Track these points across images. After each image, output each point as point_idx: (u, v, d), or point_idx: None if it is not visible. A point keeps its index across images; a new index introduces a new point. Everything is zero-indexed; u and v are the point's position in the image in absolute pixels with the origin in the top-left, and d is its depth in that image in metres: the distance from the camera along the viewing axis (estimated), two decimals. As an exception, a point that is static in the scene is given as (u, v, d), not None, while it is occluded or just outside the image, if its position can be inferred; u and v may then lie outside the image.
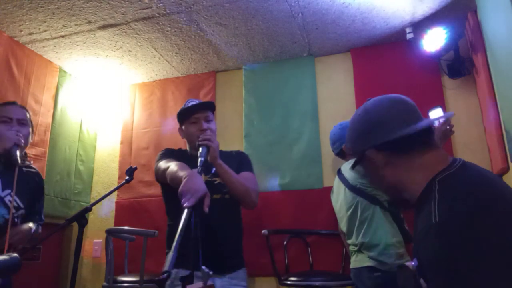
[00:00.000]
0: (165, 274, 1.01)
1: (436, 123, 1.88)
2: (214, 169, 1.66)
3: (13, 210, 1.67)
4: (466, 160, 0.92)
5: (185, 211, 1.23)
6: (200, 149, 1.62)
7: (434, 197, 0.82)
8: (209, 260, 1.63)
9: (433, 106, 2.04)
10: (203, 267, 1.00)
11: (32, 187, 1.85)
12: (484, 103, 2.66)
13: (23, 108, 1.90)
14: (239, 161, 1.83)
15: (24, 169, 1.84)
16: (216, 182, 1.80)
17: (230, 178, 1.69)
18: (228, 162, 1.78)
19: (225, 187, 1.78)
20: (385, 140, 0.94)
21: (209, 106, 1.92)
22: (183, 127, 1.92)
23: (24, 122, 1.82)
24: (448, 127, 1.92)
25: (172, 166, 1.57)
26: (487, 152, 2.71)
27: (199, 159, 1.59)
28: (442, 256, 0.73)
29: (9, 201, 1.67)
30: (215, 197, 1.74)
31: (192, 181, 1.37)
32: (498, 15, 2.06)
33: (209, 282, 1.06)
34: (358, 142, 1.00)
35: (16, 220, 1.70)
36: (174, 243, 1.09)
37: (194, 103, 1.87)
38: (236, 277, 1.72)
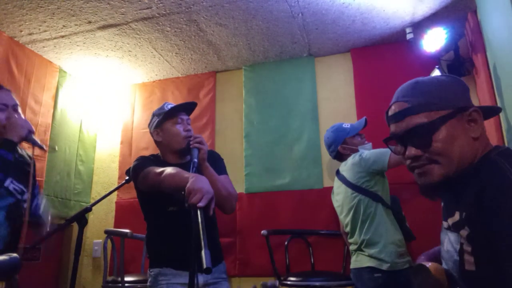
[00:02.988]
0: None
1: None
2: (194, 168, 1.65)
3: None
4: None
5: (198, 211, 1.24)
6: (192, 150, 1.64)
7: (496, 163, 0.82)
8: (191, 260, 1.65)
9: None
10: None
11: (29, 167, 1.82)
12: (484, 103, 2.66)
13: (9, 91, 1.84)
14: (213, 161, 1.78)
15: (18, 153, 1.82)
16: None
17: (216, 182, 1.66)
18: None
19: None
20: (478, 105, 0.96)
21: (195, 107, 1.91)
22: (162, 127, 1.81)
23: (16, 108, 1.77)
24: None
25: (169, 169, 1.57)
26: (487, 152, 2.72)
27: (193, 161, 1.59)
28: None
29: (14, 189, 1.68)
30: None
31: (201, 181, 1.37)
32: (498, 15, 2.06)
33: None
34: (459, 98, 0.94)
35: (22, 204, 1.71)
36: (203, 242, 1.14)
37: (173, 105, 1.84)
38: (217, 270, 1.73)
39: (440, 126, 0.88)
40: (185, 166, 1.63)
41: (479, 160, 0.87)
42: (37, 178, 3.03)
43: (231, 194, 1.75)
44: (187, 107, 1.88)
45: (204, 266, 1.09)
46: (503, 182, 0.77)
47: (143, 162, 1.73)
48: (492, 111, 0.97)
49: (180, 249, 1.64)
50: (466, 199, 0.84)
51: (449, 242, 0.90)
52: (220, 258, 1.80)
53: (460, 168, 0.88)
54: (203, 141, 1.69)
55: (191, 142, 1.68)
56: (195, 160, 1.60)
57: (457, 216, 0.86)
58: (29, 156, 1.91)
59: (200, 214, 1.23)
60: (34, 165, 1.93)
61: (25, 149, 1.94)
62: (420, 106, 0.91)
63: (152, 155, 1.87)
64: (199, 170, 1.63)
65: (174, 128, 1.78)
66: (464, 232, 0.82)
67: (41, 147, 1.68)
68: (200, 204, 1.26)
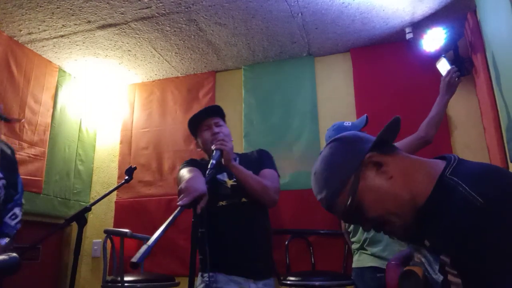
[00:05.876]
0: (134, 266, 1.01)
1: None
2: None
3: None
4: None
5: (178, 208, 1.23)
6: (214, 152, 1.62)
7: (457, 185, 0.74)
8: (244, 264, 1.62)
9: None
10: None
11: (5, 156, 1.79)
12: (483, 103, 2.66)
13: None
14: (259, 159, 1.80)
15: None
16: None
17: (246, 179, 1.67)
18: (248, 163, 1.79)
19: None
20: (377, 139, 0.85)
21: (216, 111, 1.91)
22: (198, 140, 1.88)
23: None
24: (453, 75, 1.88)
25: (184, 171, 1.58)
26: (486, 152, 2.72)
27: (211, 162, 1.58)
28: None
29: None
30: (243, 200, 1.76)
31: (192, 181, 1.38)
32: (498, 15, 2.06)
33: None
34: (351, 159, 0.86)
35: None
36: (155, 237, 1.07)
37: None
38: (269, 284, 1.70)
39: (355, 193, 0.83)
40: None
41: (435, 188, 0.79)
42: (36, 178, 3.07)
43: (267, 187, 1.72)
44: (208, 112, 1.88)
45: (133, 259, 1.02)
46: (470, 212, 0.70)
47: (183, 166, 1.78)
48: (394, 123, 0.88)
49: (231, 251, 1.63)
50: (435, 231, 0.78)
51: (423, 255, 0.86)
52: (268, 272, 1.74)
53: (413, 205, 0.81)
54: (225, 141, 1.66)
55: (213, 145, 1.67)
56: (213, 161, 1.58)
57: (427, 243, 0.82)
58: (10, 148, 1.88)
59: (177, 212, 1.19)
60: (12, 158, 1.87)
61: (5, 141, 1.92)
62: (331, 196, 0.87)
63: (202, 159, 1.92)
64: (222, 170, 1.63)
65: (204, 135, 1.83)
66: (445, 259, 0.77)
67: (6, 120, 1.64)
68: (179, 203, 1.25)
